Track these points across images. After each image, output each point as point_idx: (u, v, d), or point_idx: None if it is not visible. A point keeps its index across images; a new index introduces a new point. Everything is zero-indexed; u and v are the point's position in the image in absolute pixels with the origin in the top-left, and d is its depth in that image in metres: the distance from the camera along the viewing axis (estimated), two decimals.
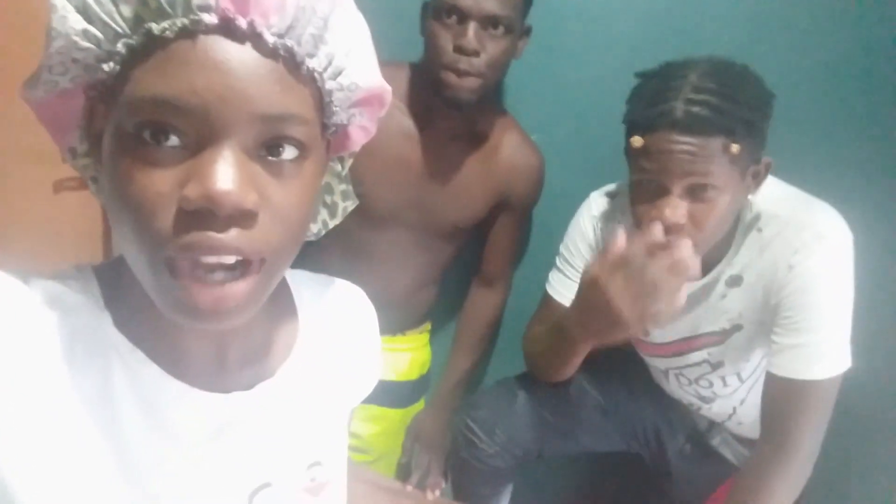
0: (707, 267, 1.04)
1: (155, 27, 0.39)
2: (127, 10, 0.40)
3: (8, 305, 0.43)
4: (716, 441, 1.25)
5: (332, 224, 0.61)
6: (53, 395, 0.44)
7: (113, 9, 0.40)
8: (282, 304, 0.59)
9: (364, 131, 0.54)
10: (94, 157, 0.48)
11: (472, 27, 1.05)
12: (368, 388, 0.69)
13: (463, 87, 1.09)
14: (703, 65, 0.92)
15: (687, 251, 0.89)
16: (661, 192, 0.93)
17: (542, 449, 1.25)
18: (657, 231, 0.90)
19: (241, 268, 0.42)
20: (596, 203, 1.18)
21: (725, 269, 1.05)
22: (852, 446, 1.26)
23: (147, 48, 0.40)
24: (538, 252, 1.41)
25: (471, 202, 1.27)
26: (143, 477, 0.48)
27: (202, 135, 0.40)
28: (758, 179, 0.97)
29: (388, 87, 0.52)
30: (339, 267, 0.88)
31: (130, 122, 0.40)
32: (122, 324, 0.48)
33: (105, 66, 0.41)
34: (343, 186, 0.60)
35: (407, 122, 1.21)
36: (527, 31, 1.17)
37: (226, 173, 0.39)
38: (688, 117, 0.88)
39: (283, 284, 0.60)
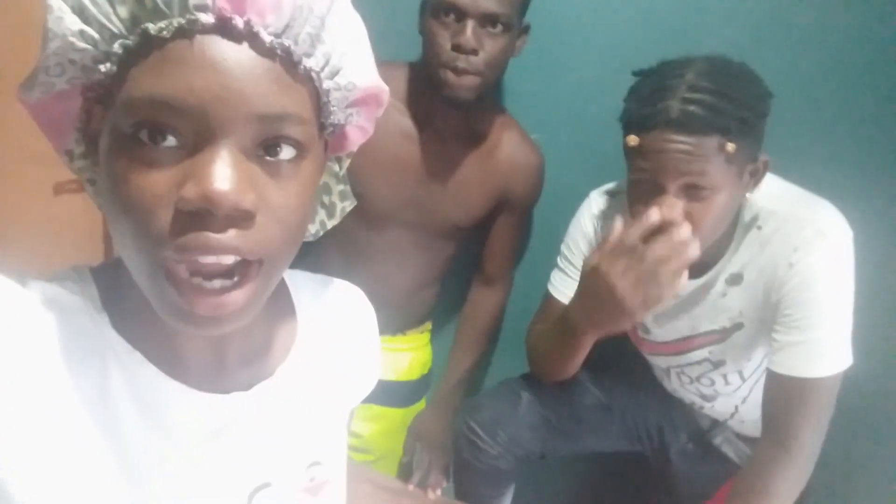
0: (707, 265, 1.04)
1: (151, 27, 0.39)
2: (123, 11, 0.40)
3: (5, 307, 0.43)
4: (718, 440, 1.24)
5: (330, 224, 0.61)
6: (51, 396, 0.44)
7: (109, 9, 0.40)
8: (281, 305, 0.59)
9: (362, 131, 0.54)
10: (92, 158, 0.48)
11: (470, 25, 1.05)
12: (368, 389, 0.69)
13: (461, 86, 1.09)
14: (700, 63, 0.92)
15: (686, 233, 0.89)
16: (658, 191, 0.93)
17: (545, 449, 1.25)
18: (654, 215, 0.90)
19: (240, 273, 0.42)
20: (596, 202, 1.18)
21: (725, 268, 1.04)
22: (852, 446, 1.25)
23: (144, 48, 0.40)
24: (539, 251, 1.41)
25: (470, 202, 1.27)
26: (143, 477, 0.48)
27: (199, 135, 0.40)
28: (756, 178, 0.97)
29: (386, 87, 0.52)
30: (338, 267, 0.88)
31: (127, 123, 0.40)
32: (119, 325, 0.48)
33: (102, 67, 0.41)
34: (341, 187, 0.60)
35: (406, 122, 1.21)
36: (525, 30, 1.17)
37: (223, 173, 0.39)
38: (683, 116, 0.88)
39: (282, 285, 0.60)
